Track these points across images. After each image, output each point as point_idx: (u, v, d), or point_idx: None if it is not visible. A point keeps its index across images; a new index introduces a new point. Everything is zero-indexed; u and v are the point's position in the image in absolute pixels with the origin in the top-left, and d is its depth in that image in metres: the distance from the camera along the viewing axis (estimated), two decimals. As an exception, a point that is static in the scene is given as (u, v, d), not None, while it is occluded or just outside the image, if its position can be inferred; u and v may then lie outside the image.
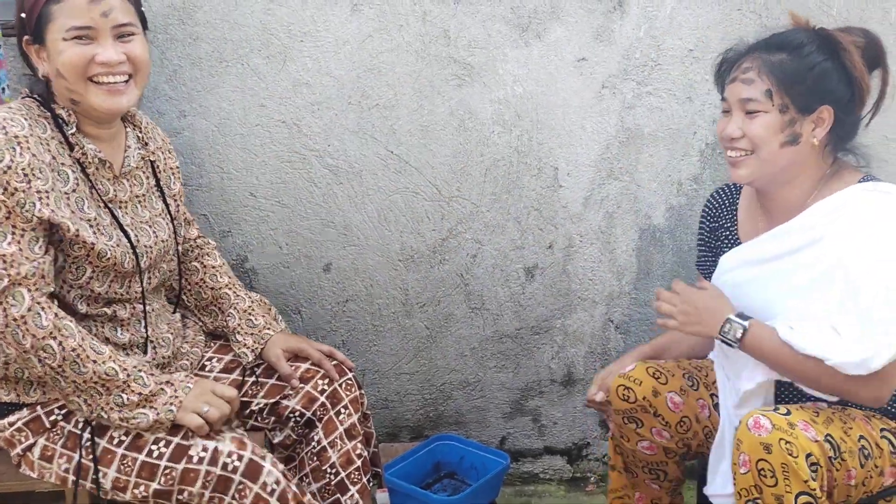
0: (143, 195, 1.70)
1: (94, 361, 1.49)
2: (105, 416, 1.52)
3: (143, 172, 1.72)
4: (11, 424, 1.58)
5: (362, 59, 2.08)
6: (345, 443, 1.77)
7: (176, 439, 1.52)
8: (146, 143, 1.74)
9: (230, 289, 1.87)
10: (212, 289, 1.87)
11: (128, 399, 1.51)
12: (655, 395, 1.75)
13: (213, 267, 1.89)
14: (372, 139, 2.14)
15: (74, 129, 1.55)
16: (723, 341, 1.59)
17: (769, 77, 1.55)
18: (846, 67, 1.54)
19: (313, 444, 1.77)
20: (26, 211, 1.44)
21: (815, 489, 1.40)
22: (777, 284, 1.59)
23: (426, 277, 2.25)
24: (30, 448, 1.58)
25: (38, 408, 1.58)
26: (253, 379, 1.81)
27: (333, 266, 2.22)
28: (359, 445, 1.79)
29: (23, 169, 1.43)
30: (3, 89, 1.84)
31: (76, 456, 1.55)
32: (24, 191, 1.44)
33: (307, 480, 1.78)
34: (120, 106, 1.56)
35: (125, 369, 1.51)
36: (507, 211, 2.22)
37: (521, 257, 2.27)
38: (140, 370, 1.53)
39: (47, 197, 1.47)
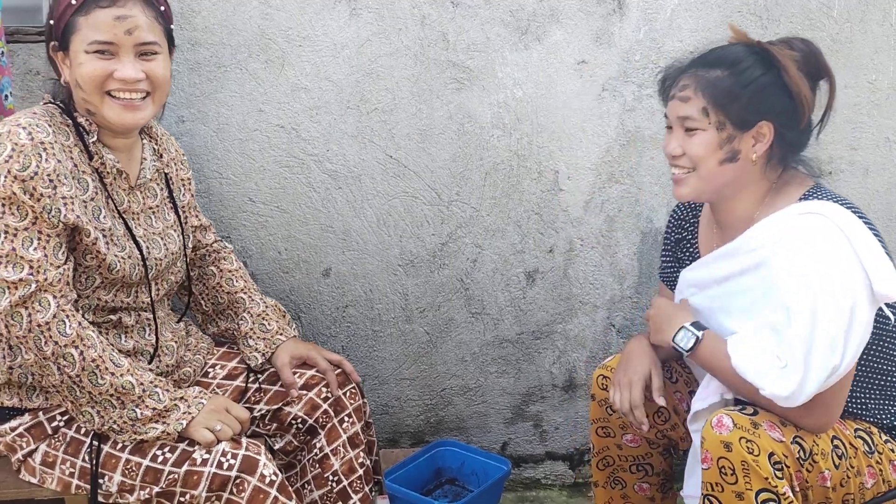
0: (157, 206, 1.71)
1: (112, 374, 1.49)
2: (116, 429, 1.52)
3: (157, 184, 1.73)
4: (13, 430, 1.58)
5: (361, 63, 2.07)
6: (347, 451, 1.77)
7: (182, 445, 1.52)
8: (161, 155, 1.75)
9: (245, 293, 1.88)
10: (227, 293, 1.87)
11: (141, 414, 1.51)
12: None
13: (230, 271, 1.90)
14: (371, 143, 2.13)
15: (95, 139, 1.56)
16: (675, 349, 1.61)
17: (705, 94, 1.53)
18: (785, 82, 1.51)
19: (315, 451, 1.78)
20: (52, 216, 1.45)
21: (776, 487, 1.40)
22: (728, 306, 1.60)
23: (426, 282, 2.24)
24: (31, 454, 1.58)
25: (41, 413, 1.58)
26: (256, 385, 1.81)
27: (333, 271, 2.21)
28: (361, 454, 1.79)
29: (48, 175, 1.44)
30: (7, 97, 1.84)
31: (79, 461, 1.55)
32: (49, 196, 1.44)
33: (309, 488, 1.78)
34: (135, 121, 1.56)
35: (141, 384, 1.51)
36: (508, 215, 2.21)
37: (522, 261, 2.25)
38: (156, 386, 1.54)
39: (72, 203, 1.48)
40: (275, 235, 2.17)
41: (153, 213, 1.70)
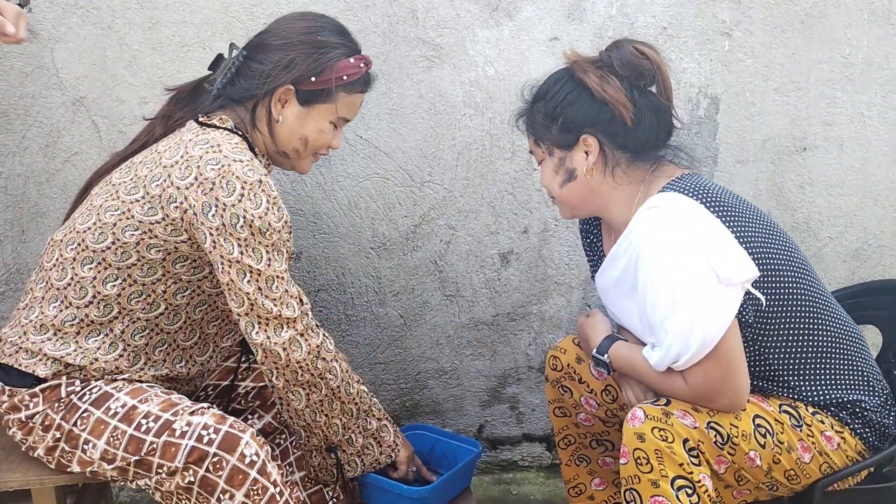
0: None
1: (358, 381, 1.66)
2: (352, 439, 1.67)
3: None
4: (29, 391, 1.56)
5: (328, 41, 2.02)
6: None
7: (166, 415, 1.50)
8: None
9: None
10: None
11: (369, 425, 1.68)
12: (579, 361, 1.80)
13: None
14: (340, 124, 2.09)
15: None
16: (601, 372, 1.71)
17: (531, 129, 1.62)
18: (592, 91, 1.53)
19: None
20: (292, 255, 1.59)
21: (692, 474, 1.43)
22: (626, 308, 1.64)
23: (399, 265, 2.21)
24: (34, 415, 1.55)
25: (64, 377, 1.56)
26: (246, 364, 1.83)
27: (304, 255, 2.18)
28: None
29: (289, 222, 1.55)
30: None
31: (67, 426, 1.52)
32: (290, 241, 1.57)
33: (290, 469, 1.80)
34: None
35: (367, 392, 1.69)
36: (481, 196, 2.18)
37: (496, 243, 2.23)
38: (371, 395, 1.70)
39: None
40: (243, 219, 2.13)
41: None
